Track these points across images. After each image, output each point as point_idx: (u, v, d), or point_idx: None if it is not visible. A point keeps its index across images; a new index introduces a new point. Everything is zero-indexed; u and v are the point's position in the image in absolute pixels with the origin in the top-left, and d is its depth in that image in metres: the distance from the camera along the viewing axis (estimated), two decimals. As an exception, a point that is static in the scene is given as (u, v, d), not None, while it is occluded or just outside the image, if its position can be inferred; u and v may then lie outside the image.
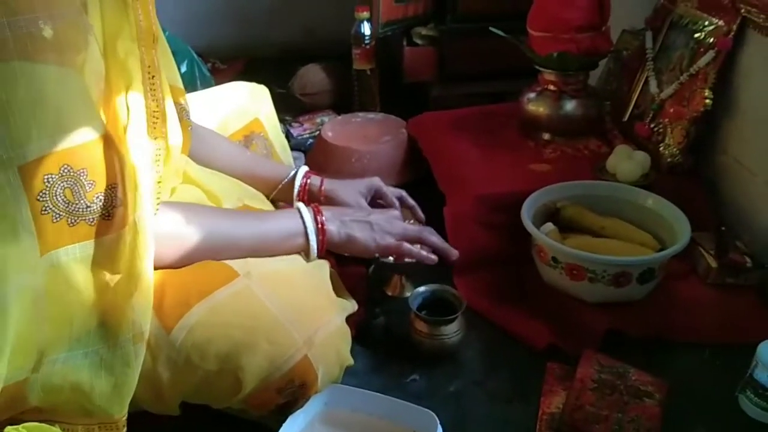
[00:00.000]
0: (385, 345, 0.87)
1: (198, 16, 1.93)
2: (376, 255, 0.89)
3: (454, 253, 0.91)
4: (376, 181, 1.00)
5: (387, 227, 0.87)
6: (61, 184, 0.60)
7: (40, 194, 0.60)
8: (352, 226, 0.86)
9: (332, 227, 0.84)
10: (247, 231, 0.80)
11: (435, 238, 0.91)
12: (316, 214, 0.84)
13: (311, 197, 0.97)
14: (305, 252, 0.82)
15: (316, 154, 1.30)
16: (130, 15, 0.66)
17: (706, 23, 1.05)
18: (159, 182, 0.72)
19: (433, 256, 0.90)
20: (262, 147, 1.09)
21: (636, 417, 0.72)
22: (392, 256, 0.91)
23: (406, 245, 0.88)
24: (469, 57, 1.48)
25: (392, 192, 1.00)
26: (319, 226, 0.83)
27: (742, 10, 0.98)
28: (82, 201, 0.62)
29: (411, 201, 1.01)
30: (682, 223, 0.90)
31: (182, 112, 0.82)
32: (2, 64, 0.57)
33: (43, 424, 0.64)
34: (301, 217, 0.83)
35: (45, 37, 0.58)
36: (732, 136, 1.03)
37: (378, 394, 0.72)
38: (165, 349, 0.68)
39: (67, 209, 0.61)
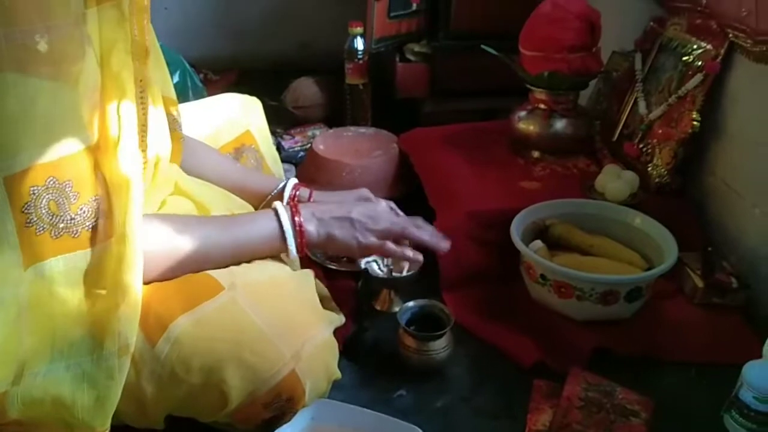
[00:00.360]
0: (372, 359, 0.87)
1: (191, 27, 1.94)
2: (362, 264, 0.87)
3: (444, 246, 0.89)
4: (365, 192, 0.95)
5: (369, 224, 0.84)
6: (46, 197, 0.60)
7: (25, 206, 0.59)
8: (332, 225, 0.82)
9: (311, 227, 0.81)
10: (223, 237, 0.77)
11: (422, 233, 0.88)
12: (294, 214, 0.80)
13: None
14: (285, 254, 0.80)
15: (307, 167, 1.30)
16: (126, 28, 0.66)
17: (695, 47, 1.06)
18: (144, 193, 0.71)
19: (419, 256, 0.87)
20: (252, 159, 1.09)
21: (622, 436, 0.73)
22: (375, 255, 0.88)
23: (390, 245, 0.85)
24: (460, 74, 1.50)
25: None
26: (297, 228, 0.80)
27: (730, 35, 1.00)
28: (66, 213, 0.61)
29: (401, 214, 1.00)
30: (670, 243, 0.91)
31: (174, 123, 0.81)
32: None
33: (24, 438, 0.63)
34: (278, 218, 0.80)
35: (39, 50, 0.58)
36: (719, 157, 1.05)
37: (365, 409, 0.72)
38: (149, 362, 0.67)
39: (51, 222, 0.61)
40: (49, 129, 0.60)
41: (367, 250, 0.85)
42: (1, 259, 0.59)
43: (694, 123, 1.03)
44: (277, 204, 0.82)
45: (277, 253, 0.80)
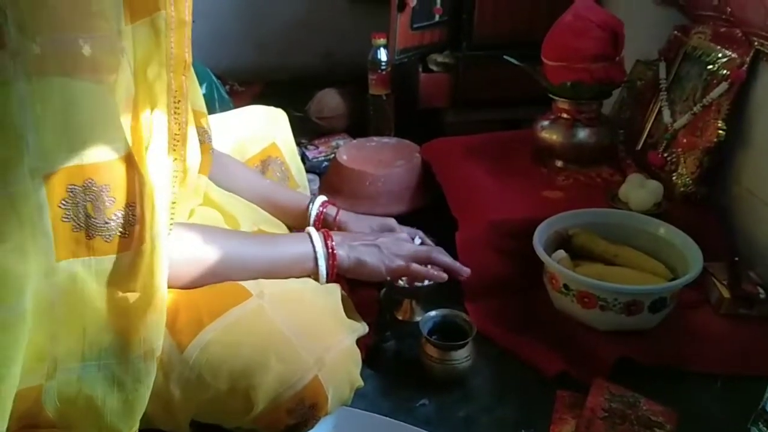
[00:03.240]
0: (395, 369, 0.88)
1: (217, 39, 1.97)
2: (388, 278, 0.89)
3: (466, 271, 0.92)
4: (391, 222, 1.01)
5: (395, 249, 0.88)
6: (84, 197, 0.62)
7: (63, 202, 0.62)
8: (362, 251, 0.87)
9: (342, 252, 0.85)
10: (258, 254, 0.81)
11: (445, 258, 0.92)
12: (326, 239, 0.85)
13: (326, 227, 0.98)
14: (314, 276, 0.83)
15: (331, 177, 1.31)
16: (161, 42, 0.68)
17: (720, 55, 1.06)
18: (174, 203, 0.73)
19: (444, 275, 0.90)
20: (278, 171, 1.11)
21: (646, 448, 0.72)
22: (403, 278, 0.91)
23: (415, 266, 0.88)
24: (483, 84, 1.50)
25: (408, 232, 1.00)
26: (330, 250, 0.84)
27: (756, 43, 0.99)
28: (100, 217, 0.63)
29: (428, 240, 1.00)
30: (695, 253, 0.90)
31: (204, 135, 0.84)
32: (42, 78, 0.59)
33: (53, 438, 0.65)
34: (312, 241, 0.84)
35: (84, 54, 0.60)
36: (745, 166, 1.03)
37: (387, 418, 0.73)
38: (178, 367, 0.69)
39: (87, 222, 0.63)
40: (89, 133, 0.62)
41: (394, 273, 0.89)
42: (34, 247, 0.61)
43: (720, 132, 1.02)
44: (310, 229, 0.87)
45: (305, 275, 0.83)
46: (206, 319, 0.70)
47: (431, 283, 0.93)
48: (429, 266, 0.91)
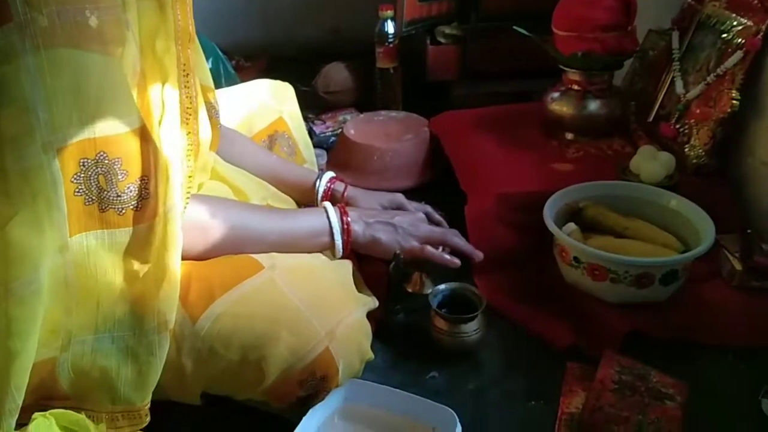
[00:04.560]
0: (404, 341, 0.88)
1: (223, 14, 1.95)
2: (399, 254, 0.89)
3: (479, 255, 0.92)
4: (399, 197, 1.01)
5: (411, 230, 0.89)
6: (96, 170, 0.62)
7: (75, 176, 0.62)
8: (377, 228, 0.87)
9: (357, 228, 0.86)
10: (273, 226, 0.81)
11: (459, 240, 0.92)
12: (342, 214, 0.85)
13: (333, 203, 0.98)
14: (330, 251, 0.83)
15: (339, 152, 1.31)
16: (168, 15, 0.68)
17: (735, 23, 1.03)
18: (189, 176, 0.73)
19: (456, 260, 0.91)
20: (285, 146, 1.11)
21: (656, 419, 0.72)
22: (416, 258, 0.91)
23: (429, 249, 0.89)
24: (492, 56, 1.48)
25: (417, 208, 1.00)
26: (345, 226, 0.84)
27: (772, 10, 0.97)
28: (113, 189, 0.63)
29: (437, 216, 1.01)
30: (707, 225, 0.89)
31: (211, 110, 0.83)
32: (50, 50, 0.59)
33: (69, 411, 0.65)
34: (328, 216, 0.84)
35: (91, 26, 0.60)
36: (759, 138, 1.02)
37: (398, 390, 0.73)
38: (189, 338, 0.69)
39: (99, 195, 0.63)
40: (100, 105, 0.62)
41: (408, 254, 0.90)
42: (49, 222, 0.61)
43: (734, 102, 1.00)
44: (326, 204, 0.88)
45: (320, 249, 0.84)
46: (218, 291, 0.70)
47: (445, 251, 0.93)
48: (442, 248, 0.91)
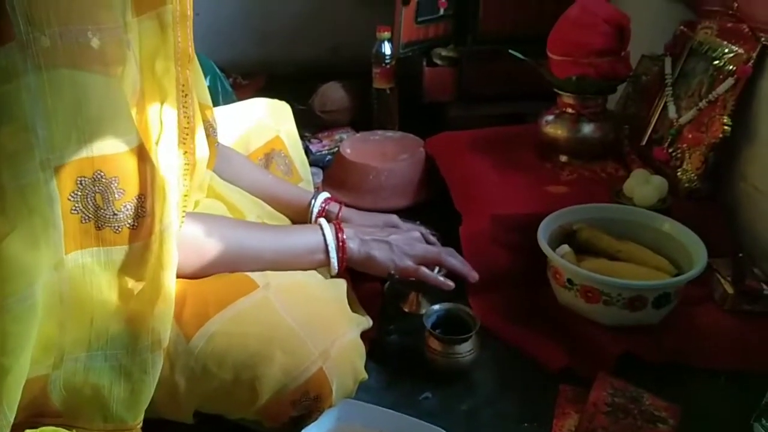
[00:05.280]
0: (398, 362, 0.88)
1: (221, 31, 1.97)
2: (393, 274, 0.89)
3: (474, 276, 0.93)
4: (394, 218, 1.02)
5: (406, 249, 0.89)
6: (93, 189, 0.63)
7: (72, 194, 0.62)
8: (372, 246, 0.87)
9: (353, 245, 0.86)
10: (269, 244, 0.81)
11: (454, 261, 0.92)
12: (337, 231, 0.85)
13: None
14: (325, 268, 0.83)
15: (335, 170, 1.31)
16: (168, 36, 0.68)
17: (726, 50, 1.05)
18: (185, 195, 0.73)
19: (451, 283, 0.91)
20: (282, 164, 1.12)
21: (649, 442, 0.72)
22: (410, 278, 0.91)
23: (424, 270, 0.89)
24: (488, 78, 1.50)
25: (410, 229, 1.00)
26: (340, 243, 0.84)
27: (762, 38, 0.99)
28: (110, 208, 0.64)
29: (431, 237, 1.01)
30: (699, 249, 0.90)
31: (209, 129, 0.84)
32: (52, 71, 0.59)
33: (60, 429, 0.65)
34: (323, 233, 0.84)
35: (92, 47, 0.61)
36: (751, 162, 1.03)
37: (391, 410, 0.73)
38: (183, 356, 0.69)
39: (96, 214, 0.63)
40: (99, 124, 0.62)
41: (403, 272, 0.90)
42: (45, 240, 0.61)
43: (725, 127, 1.01)
44: (321, 220, 0.88)
45: (315, 267, 0.84)
46: (212, 310, 0.70)
47: (441, 272, 0.93)
48: (438, 269, 0.91)
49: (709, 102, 1.05)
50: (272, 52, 2.02)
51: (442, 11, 1.52)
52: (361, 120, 1.58)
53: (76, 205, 0.62)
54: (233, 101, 1.45)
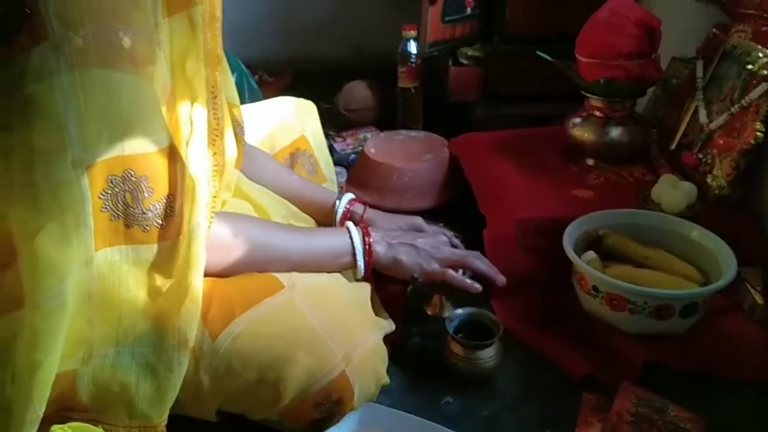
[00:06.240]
0: (420, 365, 0.88)
1: (248, 28, 1.98)
2: (417, 277, 0.89)
3: (501, 280, 0.92)
4: (418, 220, 1.01)
5: (433, 252, 0.89)
6: (123, 187, 0.64)
7: (102, 192, 0.63)
8: (399, 250, 0.87)
9: (380, 249, 0.86)
10: (296, 246, 0.82)
11: (481, 264, 0.92)
12: (364, 234, 0.86)
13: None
14: (351, 270, 0.84)
15: (359, 170, 1.31)
16: (198, 37, 0.69)
17: (760, 55, 1.03)
18: (214, 196, 0.74)
19: (478, 285, 0.90)
20: (306, 164, 1.12)
21: (674, 454, 0.71)
22: (436, 281, 0.91)
23: (451, 273, 0.89)
24: (514, 78, 1.48)
25: (435, 231, 1.00)
26: (367, 246, 0.85)
27: (799, 43, 0.96)
28: (138, 206, 0.64)
29: (456, 241, 1.00)
30: (728, 257, 0.88)
31: (237, 128, 0.85)
32: (84, 71, 0.60)
33: (86, 424, 0.66)
34: (350, 236, 0.85)
35: (124, 46, 0.61)
36: (783, 170, 1.01)
37: (412, 415, 0.73)
38: (208, 355, 0.70)
39: (125, 212, 0.64)
40: (130, 124, 0.63)
41: (429, 276, 0.90)
42: (77, 237, 0.62)
43: (758, 134, 0.99)
44: (349, 223, 0.88)
45: (342, 269, 0.85)
46: (238, 310, 0.71)
47: (466, 274, 0.93)
48: (463, 271, 0.91)
49: (741, 107, 1.03)
50: (298, 49, 2.03)
51: (468, 10, 1.51)
52: (386, 119, 1.58)
53: (106, 203, 0.63)
54: (259, 98, 1.46)
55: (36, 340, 0.60)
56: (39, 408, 0.61)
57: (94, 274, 0.64)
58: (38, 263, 0.60)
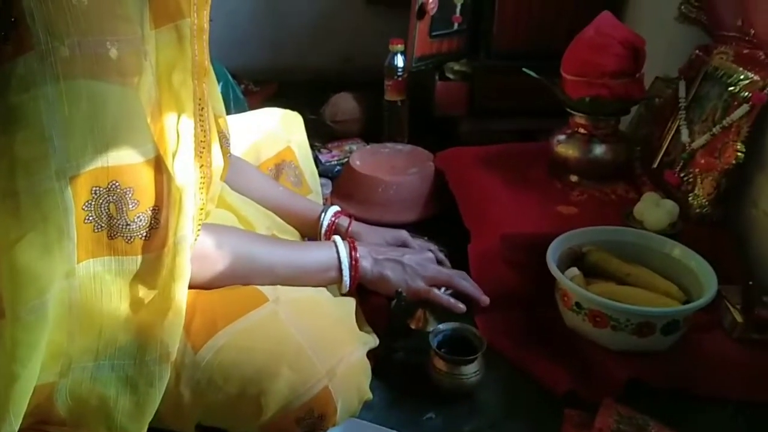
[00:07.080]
0: (403, 380, 0.87)
1: (234, 38, 1.97)
2: (401, 292, 0.89)
3: (485, 300, 0.93)
4: (404, 234, 1.02)
5: (419, 270, 0.89)
6: (107, 198, 0.63)
7: (86, 204, 0.62)
8: (385, 266, 0.87)
9: (366, 264, 0.86)
10: (281, 259, 0.81)
11: (466, 283, 0.92)
12: (351, 249, 0.85)
13: None
14: (337, 285, 0.83)
15: (344, 182, 1.31)
16: (186, 49, 0.68)
17: (741, 77, 1.05)
18: (201, 208, 0.73)
19: (461, 305, 0.91)
20: (292, 175, 1.12)
21: (655, 472, 0.71)
22: (421, 299, 0.91)
23: (435, 292, 0.90)
24: (500, 93, 1.50)
25: (420, 245, 1.01)
26: (353, 261, 0.84)
27: (779, 66, 0.98)
28: (123, 218, 0.64)
29: (440, 255, 1.01)
30: (709, 275, 0.89)
31: (223, 139, 0.84)
32: (70, 81, 0.59)
33: (63, 438, 0.65)
34: (337, 250, 0.84)
35: (111, 57, 0.61)
36: (763, 189, 1.02)
37: (393, 431, 0.72)
38: (189, 368, 0.69)
39: (109, 223, 0.63)
40: (115, 135, 0.62)
41: (413, 294, 0.90)
42: (59, 249, 0.61)
43: (738, 154, 1.01)
44: (336, 238, 0.88)
45: (327, 284, 0.84)
46: (221, 322, 0.70)
47: (447, 292, 0.93)
48: (445, 288, 0.91)
49: (722, 128, 1.04)
50: (285, 59, 2.03)
51: (456, 26, 1.52)
52: (372, 131, 1.58)
53: (90, 214, 0.63)
54: (244, 108, 1.46)
55: (15, 352, 0.59)
56: (15, 422, 0.60)
57: (76, 286, 0.63)
58: (19, 275, 0.59)
